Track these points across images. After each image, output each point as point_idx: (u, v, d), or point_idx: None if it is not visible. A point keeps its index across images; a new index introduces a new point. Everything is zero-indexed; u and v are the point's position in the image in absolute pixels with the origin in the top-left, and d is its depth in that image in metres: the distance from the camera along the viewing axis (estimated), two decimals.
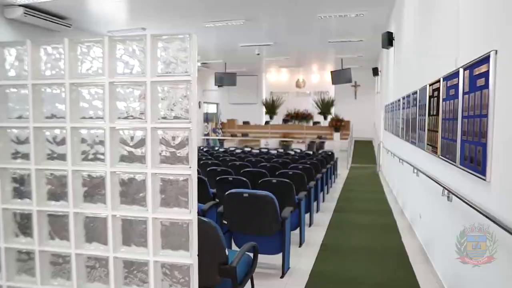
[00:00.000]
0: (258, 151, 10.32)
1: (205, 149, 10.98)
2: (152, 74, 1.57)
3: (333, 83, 15.83)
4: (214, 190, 4.52)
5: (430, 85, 3.77)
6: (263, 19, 9.97)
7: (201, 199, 4.44)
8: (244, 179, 4.21)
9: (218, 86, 18.50)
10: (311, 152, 9.80)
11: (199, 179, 4.36)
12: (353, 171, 11.43)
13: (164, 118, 1.59)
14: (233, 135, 17.13)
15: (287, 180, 4.07)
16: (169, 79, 1.57)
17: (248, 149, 11.34)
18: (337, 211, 6.07)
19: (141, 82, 1.58)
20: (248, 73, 21.45)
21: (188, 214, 1.58)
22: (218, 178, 4.29)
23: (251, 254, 2.60)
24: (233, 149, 11.28)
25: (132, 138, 1.62)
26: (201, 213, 3.48)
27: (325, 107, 20.12)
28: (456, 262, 2.89)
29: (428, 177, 3.57)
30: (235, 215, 3.31)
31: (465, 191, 2.56)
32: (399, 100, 6.70)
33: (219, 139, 17.64)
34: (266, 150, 10.77)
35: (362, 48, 13.51)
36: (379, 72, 14.23)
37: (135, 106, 1.61)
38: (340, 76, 15.51)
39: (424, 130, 3.99)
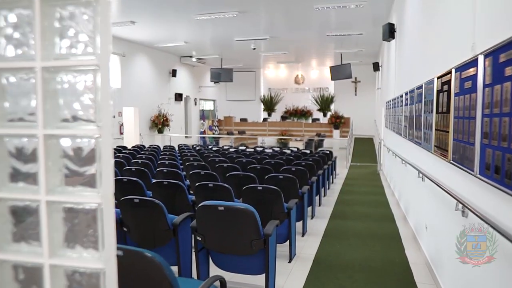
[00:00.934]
0: (252, 150, 9.83)
1: (197, 148, 10.49)
2: (44, 57, 1.07)
3: (332, 78, 15.29)
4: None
5: (438, 78, 3.27)
6: (257, 11, 9.45)
7: (179, 208, 3.97)
8: (226, 185, 3.71)
9: (215, 82, 17.99)
10: (308, 151, 9.30)
11: (176, 185, 3.87)
12: (352, 171, 10.95)
13: (65, 121, 1.09)
14: (229, 133, 16.62)
15: (274, 188, 3.57)
16: (67, 64, 1.07)
17: (243, 147, 10.85)
18: (334, 217, 5.57)
19: (29, 68, 1.08)
20: (245, 69, 20.95)
21: (97, 260, 1.08)
22: (197, 184, 3.79)
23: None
24: (227, 147, 10.80)
25: (20, 150, 1.12)
26: (172, 227, 2.99)
27: (324, 103, 19.63)
28: (468, 286, 2.41)
29: (437, 184, 3.07)
30: (210, 231, 2.81)
31: (487, 207, 2.06)
32: (401, 96, 6.20)
33: (214, 137, 17.13)
34: (261, 149, 10.27)
35: (362, 42, 13.00)
36: (380, 67, 13.70)
37: (24, 104, 1.11)
38: (339, 72, 14.98)
39: (431, 130, 3.50)
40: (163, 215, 2.93)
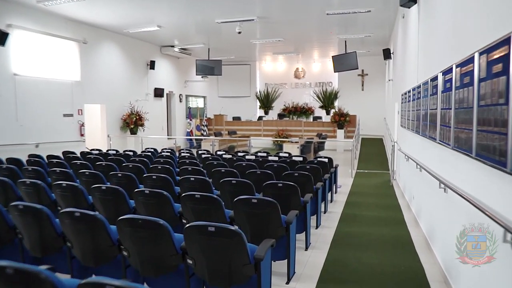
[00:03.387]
0: (231, 156, 7.68)
1: (164, 153, 8.37)
2: None
3: (335, 70, 13.07)
4: None
5: None
6: None
7: None
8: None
9: (202, 76, 15.88)
10: (301, 159, 7.12)
11: None
12: (359, 181, 8.75)
13: None
14: (216, 134, 14.48)
15: None
16: None
17: (222, 152, 8.69)
18: (325, 280, 3.39)
19: None
20: (239, 61, 18.80)
21: None
22: None
23: None
24: (202, 152, 8.68)
25: None
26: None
27: (327, 100, 17.39)
28: None
29: None
30: None
31: None
32: (432, 80, 4.02)
33: (196, 139, 14.99)
34: (243, 154, 8.13)
35: (370, 23, 10.76)
36: (392, 54, 11.47)
37: None
38: (343, 62, 12.76)
39: None
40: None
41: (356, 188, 7.93)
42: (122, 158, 6.83)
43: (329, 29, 11.83)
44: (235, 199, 3.07)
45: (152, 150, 9.20)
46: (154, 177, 4.36)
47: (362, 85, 18.17)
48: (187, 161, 6.19)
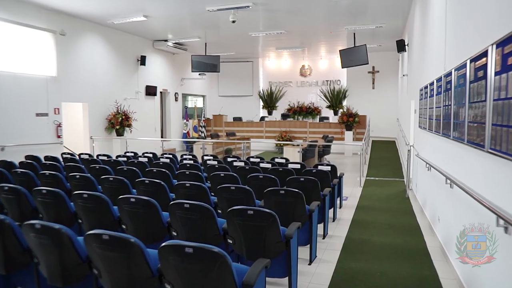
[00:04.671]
0: (215, 162, 6.50)
1: (142, 158, 7.22)
2: None
3: (343, 66, 11.82)
4: None
5: None
6: None
7: None
8: None
9: (199, 73, 14.75)
10: (298, 167, 5.90)
11: None
12: (368, 191, 7.48)
13: None
14: (212, 136, 13.30)
15: None
16: None
17: (209, 157, 7.51)
18: None
19: None
20: (240, 58, 17.62)
21: None
22: None
23: None
24: (186, 157, 7.52)
25: None
26: None
27: (335, 99, 16.09)
28: None
29: None
30: None
31: None
32: (475, 60, 2.77)
33: (188, 142, 13.82)
34: (231, 160, 6.94)
35: (382, 11, 9.47)
36: (406, 46, 10.15)
37: None
38: (352, 56, 11.53)
39: None
40: None
41: (365, 201, 6.67)
42: (81, 165, 5.69)
43: (336, 19, 10.58)
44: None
45: (132, 154, 8.08)
46: (85, 195, 3.19)
47: (373, 83, 16.82)
48: (155, 170, 5.00)
